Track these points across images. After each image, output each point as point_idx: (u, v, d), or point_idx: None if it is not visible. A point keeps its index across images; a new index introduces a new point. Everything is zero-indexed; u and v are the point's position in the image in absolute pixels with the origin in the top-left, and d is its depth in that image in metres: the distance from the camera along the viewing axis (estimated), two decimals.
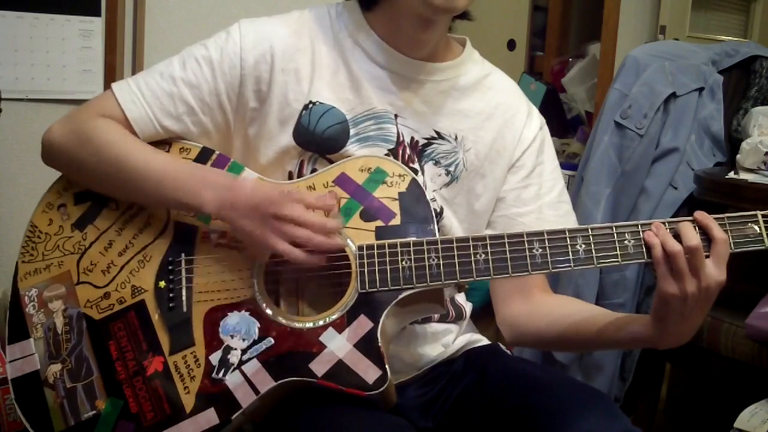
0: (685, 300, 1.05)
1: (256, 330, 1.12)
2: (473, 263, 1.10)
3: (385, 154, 1.22)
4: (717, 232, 1.06)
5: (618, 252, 1.08)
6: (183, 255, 1.17)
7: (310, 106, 1.22)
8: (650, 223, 1.08)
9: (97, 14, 2.30)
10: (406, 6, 1.18)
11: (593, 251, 1.09)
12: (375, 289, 1.11)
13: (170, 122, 1.21)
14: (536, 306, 1.29)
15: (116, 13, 2.30)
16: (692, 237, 1.05)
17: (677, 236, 1.06)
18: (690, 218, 1.08)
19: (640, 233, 1.09)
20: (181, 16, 2.44)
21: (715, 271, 1.05)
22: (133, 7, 2.36)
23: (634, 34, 2.79)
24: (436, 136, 1.26)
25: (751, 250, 1.08)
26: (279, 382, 1.10)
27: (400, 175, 1.17)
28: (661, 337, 1.11)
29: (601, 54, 2.73)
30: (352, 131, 1.22)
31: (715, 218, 1.08)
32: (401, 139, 1.24)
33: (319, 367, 1.09)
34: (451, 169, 1.26)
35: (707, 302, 1.07)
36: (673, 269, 1.05)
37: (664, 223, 1.08)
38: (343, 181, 1.18)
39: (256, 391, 1.10)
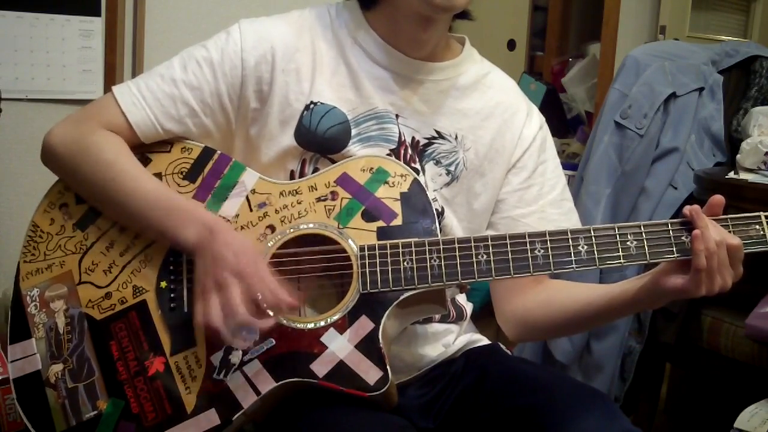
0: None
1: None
2: (475, 264, 1.10)
3: (387, 154, 1.22)
4: (730, 238, 1.06)
5: (620, 253, 1.09)
6: (184, 255, 1.17)
7: (312, 106, 1.22)
8: (654, 224, 1.09)
9: (97, 14, 2.31)
10: (405, 5, 1.18)
11: (595, 252, 1.09)
12: (376, 290, 1.11)
13: (172, 124, 1.21)
14: (548, 292, 1.27)
15: (116, 13, 2.30)
16: (732, 237, 1.07)
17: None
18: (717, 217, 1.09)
19: (642, 234, 1.09)
20: (181, 16, 2.44)
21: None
22: (133, 7, 2.37)
23: (634, 34, 2.79)
24: (436, 135, 1.26)
25: (756, 251, 1.08)
26: (280, 382, 1.10)
27: (402, 175, 1.17)
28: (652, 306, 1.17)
29: (601, 54, 2.74)
30: (353, 131, 1.22)
31: (716, 220, 1.08)
32: (403, 139, 1.24)
33: (320, 367, 1.09)
34: (452, 168, 1.26)
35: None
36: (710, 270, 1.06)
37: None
38: (344, 181, 1.18)
39: (257, 391, 1.10)
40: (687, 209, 1.08)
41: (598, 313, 1.20)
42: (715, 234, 1.05)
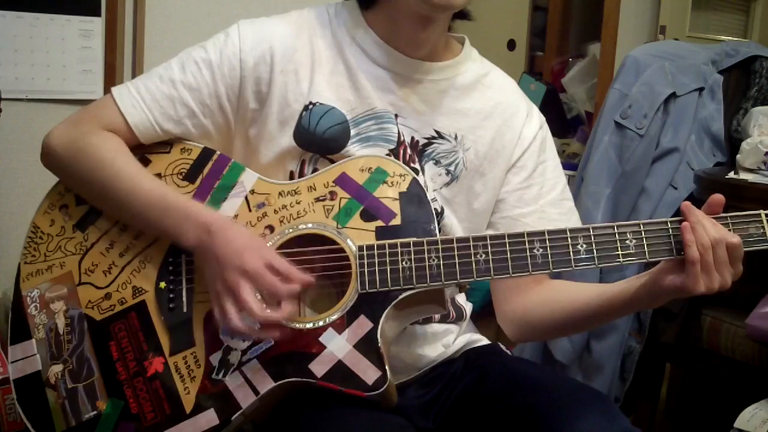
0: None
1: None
2: (473, 263, 1.10)
3: (386, 154, 1.22)
4: (730, 236, 1.06)
5: (619, 252, 1.09)
6: (183, 256, 1.17)
7: (310, 107, 1.22)
8: (653, 222, 1.09)
9: (97, 14, 2.31)
10: (404, 4, 1.18)
11: (594, 251, 1.09)
12: (375, 290, 1.11)
13: (171, 125, 1.21)
14: (548, 291, 1.27)
15: (116, 13, 2.30)
16: (732, 235, 1.06)
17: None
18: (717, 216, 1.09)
19: (642, 233, 1.09)
20: (181, 16, 2.44)
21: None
22: (133, 7, 2.37)
23: (634, 34, 2.79)
24: (436, 135, 1.26)
25: (757, 249, 1.08)
26: (279, 382, 1.10)
27: (400, 175, 1.17)
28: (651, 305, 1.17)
29: (601, 54, 2.74)
30: (352, 131, 1.22)
31: (716, 218, 1.08)
32: (402, 139, 1.24)
33: (319, 367, 1.09)
34: (451, 168, 1.26)
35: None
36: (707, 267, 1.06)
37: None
38: (343, 181, 1.18)
39: (255, 391, 1.10)
40: (682, 205, 1.08)
41: (598, 312, 1.20)
42: (714, 232, 1.05)
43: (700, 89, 2.25)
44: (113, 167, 1.17)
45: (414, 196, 1.16)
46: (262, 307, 1.06)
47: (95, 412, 1.14)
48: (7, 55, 2.22)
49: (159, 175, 1.21)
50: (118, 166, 1.17)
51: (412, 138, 1.25)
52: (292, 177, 1.22)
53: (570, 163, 2.72)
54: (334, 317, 1.11)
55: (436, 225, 1.15)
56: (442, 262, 1.10)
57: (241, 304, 1.06)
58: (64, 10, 2.27)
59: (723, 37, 3.02)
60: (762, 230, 1.08)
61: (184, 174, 1.21)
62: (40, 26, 2.25)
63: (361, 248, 1.12)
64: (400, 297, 1.11)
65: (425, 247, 1.11)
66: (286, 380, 1.10)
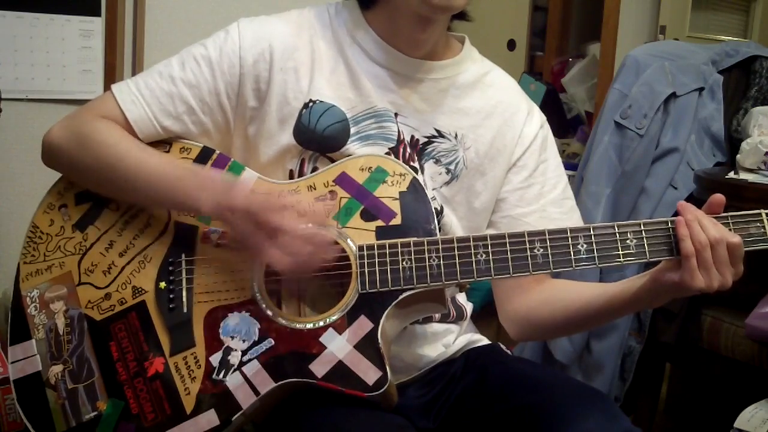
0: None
1: (257, 331, 1.12)
2: (474, 263, 1.10)
3: (386, 153, 1.22)
4: (730, 236, 1.06)
5: (620, 252, 1.08)
6: (183, 255, 1.17)
7: (310, 104, 1.22)
8: (653, 222, 1.09)
9: (97, 14, 2.31)
10: (404, 5, 1.18)
11: (595, 251, 1.09)
12: (375, 290, 1.11)
13: (170, 122, 1.21)
14: (550, 291, 1.27)
15: (116, 13, 2.30)
16: (733, 234, 1.06)
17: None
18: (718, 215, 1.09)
19: (642, 232, 1.09)
20: (181, 16, 2.44)
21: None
22: (133, 7, 2.37)
23: (634, 34, 2.79)
24: (436, 134, 1.26)
25: (758, 249, 1.08)
26: (279, 383, 1.10)
27: (400, 174, 1.17)
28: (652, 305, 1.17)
29: (601, 54, 2.74)
30: (352, 130, 1.22)
31: (717, 217, 1.08)
32: (401, 137, 1.24)
33: (320, 368, 1.09)
34: (452, 167, 1.26)
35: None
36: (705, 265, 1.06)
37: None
38: (343, 180, 1.18)
39: (256, 392, 1.10)
40: (678, 204, 1.08)
41: (599, 311, 1.20)
42: (714, 232, 1.05)
43: (700, 89, 2.25)
44: (119, 147, 1.17)
45: (414, 196, 1.15)
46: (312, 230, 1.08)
47: (95, 413, 1.14)
48: (7, 55, 2.22)
49: None
50: (123, 146, 1.18)
51: (412, 137, 1.25)
52: (291, 176, 1.22)
53: (570, 163, 2.72)
54: (335, 317, 1.11)
55: (436, 224, 1.15)
56: (442, 262, 1.10)
57: (298, 232, 1.07)
58: (64, 10, 2.27)
59: (723, 37, 3.03)
60: (762, 230, 1.08)
61: None
62: (40, 26, 2.25)
63: (361, 248, 1.12)
64: (401, 297, 1.11)
65: (425, 247, 1.11)
66: (287, 381, 1.10)
